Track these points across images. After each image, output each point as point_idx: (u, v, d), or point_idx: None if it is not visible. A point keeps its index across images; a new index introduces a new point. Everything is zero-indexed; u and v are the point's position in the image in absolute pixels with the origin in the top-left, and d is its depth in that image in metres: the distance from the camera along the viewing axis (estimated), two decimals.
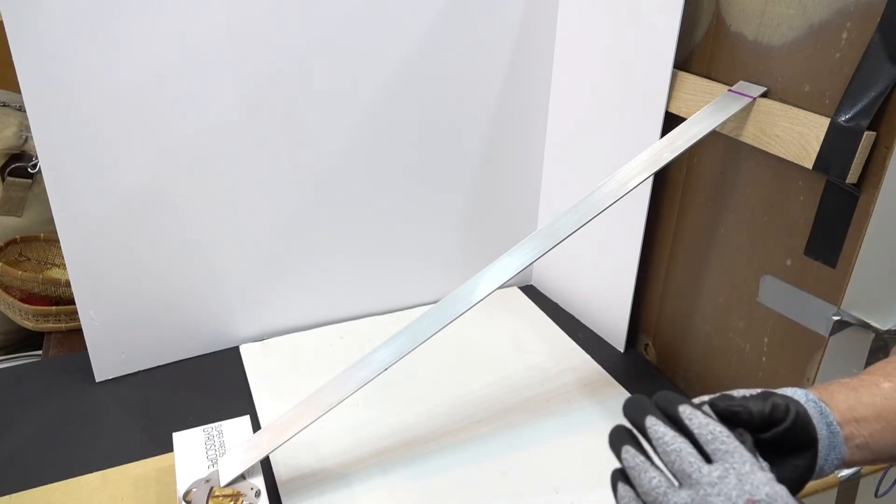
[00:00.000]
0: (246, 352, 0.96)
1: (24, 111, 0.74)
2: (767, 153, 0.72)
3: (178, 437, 0.74)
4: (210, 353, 0.97)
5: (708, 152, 0.81)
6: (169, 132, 0.82)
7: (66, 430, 0.82)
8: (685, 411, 0.42)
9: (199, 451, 0.72)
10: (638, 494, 0.41)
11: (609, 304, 0.98)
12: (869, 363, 0.77)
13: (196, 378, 0.92)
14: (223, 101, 0.82)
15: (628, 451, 0.42)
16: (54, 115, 0.75)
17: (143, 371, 0.93)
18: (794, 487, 0.46)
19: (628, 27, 0.85)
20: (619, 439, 0.43)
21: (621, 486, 0.42)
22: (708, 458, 0.40)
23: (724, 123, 0.72)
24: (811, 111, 0.68)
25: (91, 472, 0.76)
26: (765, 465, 0.41)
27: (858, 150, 0.63)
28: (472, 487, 0.74)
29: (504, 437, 0.81)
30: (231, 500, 0.67)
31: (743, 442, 0.42)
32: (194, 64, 0.79)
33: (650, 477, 0.40)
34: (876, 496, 0.89)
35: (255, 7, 0.80)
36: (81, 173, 0.79)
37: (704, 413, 0.42)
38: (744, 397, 0.45)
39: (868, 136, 0.63)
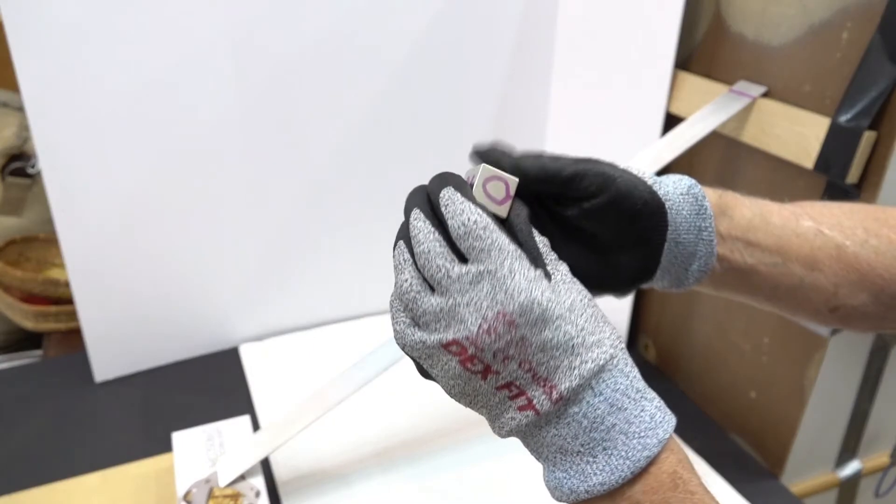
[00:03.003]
0: (246, 352, 0.96)
1: (24, 111, 0.74)
2: (767, 153, 0.72)
3: (178, 437, 0.74)
4: (210, 353, 0.97)
5: (708, 152, 0.81)
6: (169, 132, 0.81)
7: (66, 430, 0.82)
8: (444, 196, 0.34)
9: (198, 451, 0.72)
10: None
11: (609, 304, 0.98)
12: (869, 363, 0.77)
13: (196, 378, 0.92)
14: (223, 102, 0.82)
15: (398, 248, 0.36)
16: (54, 115, 0.75)
17: (143, 371, 0.93)
18: (621, 288, 0.41)
19: (628, 27, 0.85)
20: (400, 234, 0.37)
21: (395, 282, 0.37)
22: (463, 258, 0.33)
23: (724, 123, 0.72)
24: (811, 111, 0.68)
25: (91, 472, 0.76)
26: (544, 245, 0.34)
27: (859, 150, 0.63)
28: (472, 487, 0.74)
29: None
30: (231, 501, 0.67)
31: (510, 223, 0.34)
32: (193, 65, 0.79)
33: (403, 279, 0.34)
34: (876, 496, 0.89)
35: (255, 10, 0.80)
36: (81, 173, 0.79)
37: (464, 196, 0.34)
38: (553, 157, 0.37)
39: (868, 136, 0.63)
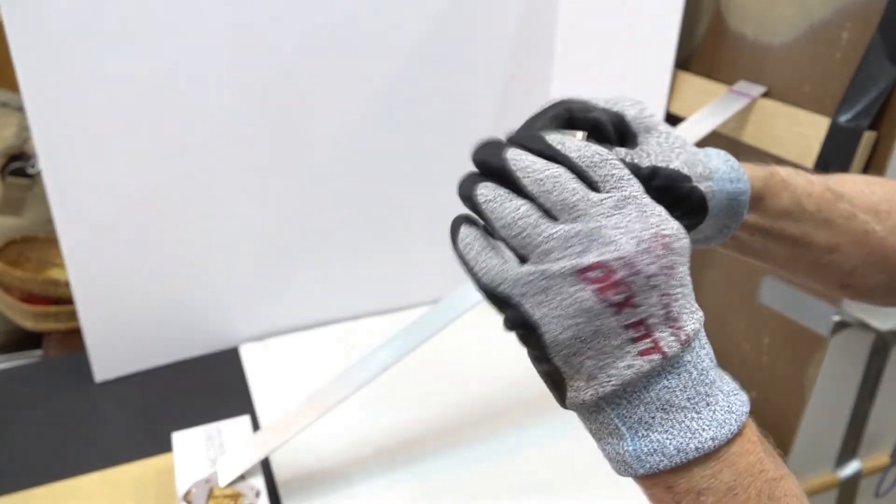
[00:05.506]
0: (246, 352, 0.96)
1: (24, 111, 0.74)
2: (767, 153, 0.72)
3: (178, 437, 0.74)
4: (210, 353, 0.96)
5: None
6: (168, 132, 0.81)
7: (66, 430, 0.82)
8: (554, 138, 0.32)
9: (198, 451, 0.72)
10: (489, 232, 0.32)
11: None
12: (869, 363, 0.77)
13: (196, 378, 0.92)
14: (223, 101, 0.82)
15: (486, 186, 0.32)
16: (54, 115, 0.75)
17: (143, 371, 0.93)
18: None
19: (628, 27, 0.85)
20: (474, 181, 0.33)
21: (464, 229, 0.33)
22: (594, 189, 0.31)
23: (724, 123, 0.72)
24: (811, 111, 0.68)
25: (91, 472, 0.76)
26: None
27: (859, 150, 0.63)
28: (472, 487, 0.74)
29: (504, 438, 0.81)
30: (231, 501, 0.67)
31: None
32: (194, 65, 0.79)
33: (516, 206, 0.31)
34: (876, 496, 0.89)
35: (256, 8, 0.80)
36: (81, 173, 0.79)
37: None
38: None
39: (868, 136, 0.63)
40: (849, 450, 0.83)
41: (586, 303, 0.29)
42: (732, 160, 0.41)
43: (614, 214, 0.30)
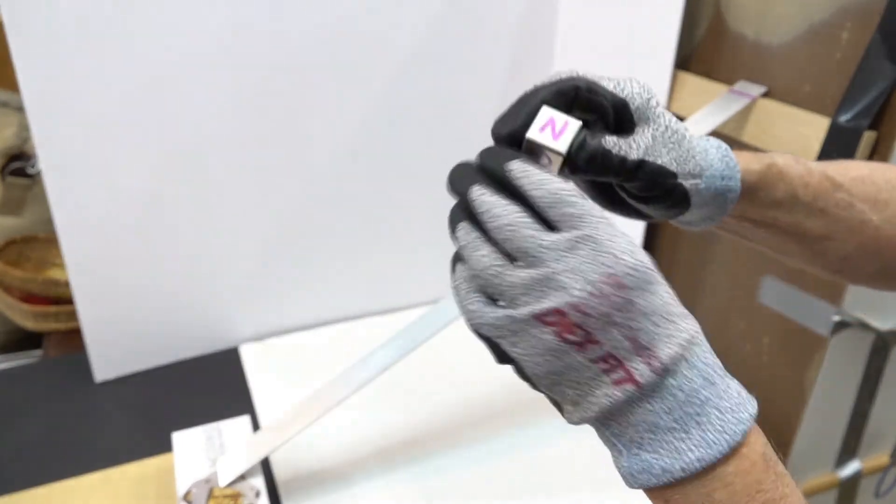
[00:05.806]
0: (246, 352, 0.96)
1: (24, 111, 0.74)
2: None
3: (178, 437, 0.74)
4: (210, 353, 0.96)
5: None
6: (168, 132, 0.81)
7: (66, 430, 0.82)
8: (516, 168, 0.32)
9: (198, 451, 0.72)
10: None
11: None
12: (869, 363, 0.77)
13: (196, 378, 0.92)
14: (222, 101, 0.82)
15: (462, 228, 0.33)
16: (54, 115, 0.75)
17: (143, 371, 0.93)
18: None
19: (628, 27, 0.85)
20: (456, 217, 0.34)
21: (457, 269, 0.34)
22: (553, 227, 0.32)
23: (724, 123, 0.72)
24: (811, 111, 0.68)
25: (91, 472, 0.76)
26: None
27: (859, 150, 0.63)
28: (472, 488, 0.74)
29: (505, 438, 0.81)
30: (231, 501, 0.67)
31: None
32: (193, 64, 0.79)
33: (480, 255, 0.32)
34: (876, 496, 0.89)
35: (256, 8, 0.80)
36: (81, 173, 0.79)
37: (541, 166, 0.33)
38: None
39: (868, 136, 0.63)
40: (849, 450, 0.83)
41: (550, 343, 0.31)
42: (730, 156, 0.41)
43: (565, 258, 0.30)
